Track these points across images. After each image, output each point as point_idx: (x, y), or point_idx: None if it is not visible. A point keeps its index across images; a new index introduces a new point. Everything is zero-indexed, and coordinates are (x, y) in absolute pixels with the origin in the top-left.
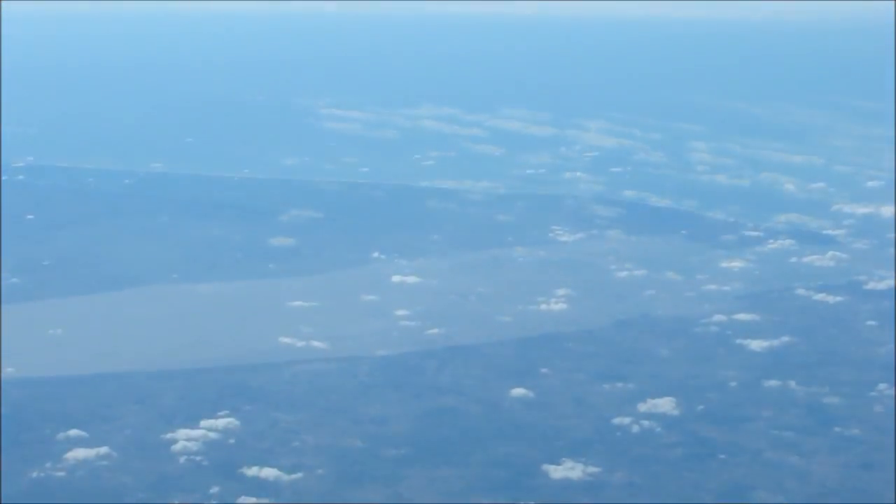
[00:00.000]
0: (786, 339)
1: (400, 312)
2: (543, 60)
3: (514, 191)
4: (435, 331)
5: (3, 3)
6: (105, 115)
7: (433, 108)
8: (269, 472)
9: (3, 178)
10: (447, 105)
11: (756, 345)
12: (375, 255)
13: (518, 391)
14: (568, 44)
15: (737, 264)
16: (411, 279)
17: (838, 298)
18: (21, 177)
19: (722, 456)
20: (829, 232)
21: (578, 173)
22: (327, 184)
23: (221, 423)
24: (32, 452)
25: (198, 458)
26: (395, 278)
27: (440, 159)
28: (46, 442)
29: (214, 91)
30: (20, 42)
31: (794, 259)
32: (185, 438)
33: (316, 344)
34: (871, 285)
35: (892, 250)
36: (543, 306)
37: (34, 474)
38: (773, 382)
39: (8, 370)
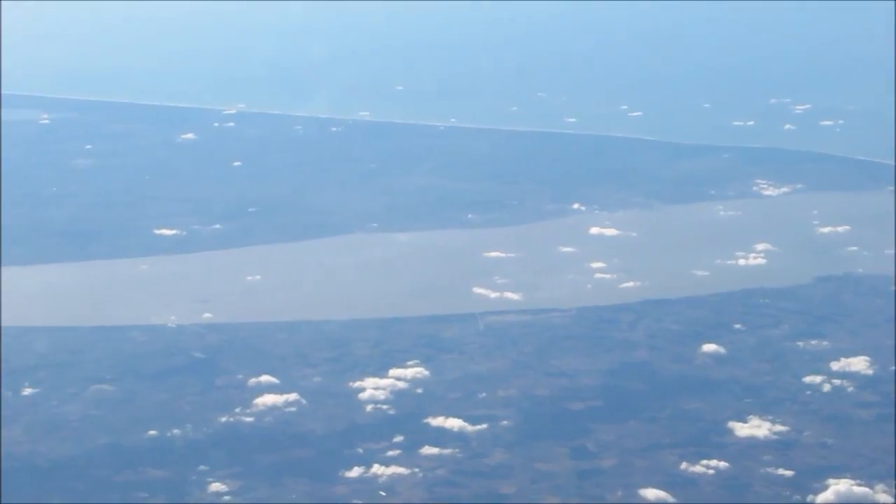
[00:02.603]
0: None
1: (596, 265)
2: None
3: (720, 143)
4: (630, 284)
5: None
6: (316, 63)
7: None
8: (454, 423)
9: (214, 124)
10: None
11: None
12: (576, 206)
13: (710, 347)
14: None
15: None
16: (610, 231)
17: None
18: (231, 124)
19: None
20: None
21: (787, 126)
22: (531, 134)
23: (410, 372)
24: (224, 397)
25: (384, 407)
26: (594, 230)
27: (647, 110)
28: (238, 387)
29: (424, 40)
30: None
31: None
32: (373, 387)
33: (510, 295)
34: None
35: None
36: (742, 261)
37: (223, 419)
38: None
39: (205, 315)
